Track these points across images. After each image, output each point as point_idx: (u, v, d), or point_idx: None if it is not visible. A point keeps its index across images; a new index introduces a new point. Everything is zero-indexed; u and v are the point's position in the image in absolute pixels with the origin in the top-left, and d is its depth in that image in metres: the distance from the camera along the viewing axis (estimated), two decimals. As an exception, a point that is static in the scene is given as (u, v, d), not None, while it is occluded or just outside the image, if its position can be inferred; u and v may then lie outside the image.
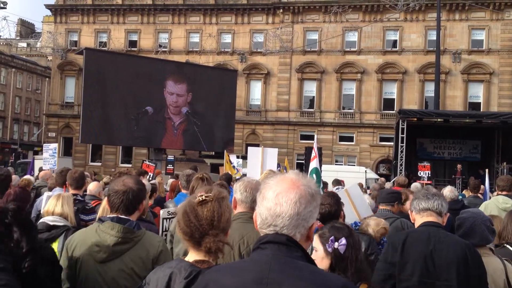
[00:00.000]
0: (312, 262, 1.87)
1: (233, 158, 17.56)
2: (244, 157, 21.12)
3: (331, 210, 4.44)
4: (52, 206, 4.70)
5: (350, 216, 5.95)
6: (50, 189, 7.25)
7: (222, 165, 17.59)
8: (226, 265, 2.03)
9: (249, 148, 13.59)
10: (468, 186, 13.27)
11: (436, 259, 3.57)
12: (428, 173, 21.81)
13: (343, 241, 2.95)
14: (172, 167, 17.51)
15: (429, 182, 20.33)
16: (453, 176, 25.84)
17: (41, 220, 4.66)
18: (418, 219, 3.85)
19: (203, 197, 2.50)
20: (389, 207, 6.21)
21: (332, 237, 2.97)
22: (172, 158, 17.85)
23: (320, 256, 3.00)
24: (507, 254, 4.22)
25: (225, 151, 17.01)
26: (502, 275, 3.89)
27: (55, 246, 4.43)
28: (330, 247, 2.95)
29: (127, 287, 3.12)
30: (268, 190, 1.88)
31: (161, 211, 5.07)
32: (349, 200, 6.59)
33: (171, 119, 26.64)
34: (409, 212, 4.08)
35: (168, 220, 5.06)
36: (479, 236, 4.00)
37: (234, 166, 15.42)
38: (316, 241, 3.05)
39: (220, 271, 1.91)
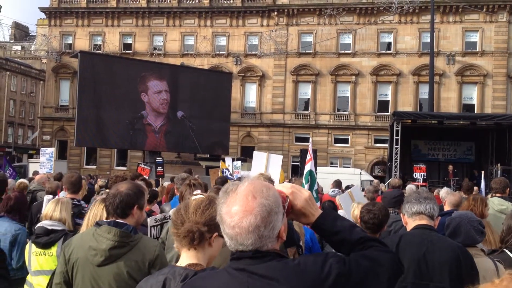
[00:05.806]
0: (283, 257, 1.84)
1: (228, 161, 17.51)
2: (240, 160, 21.12)
3: (381, 221, 4.56)
4: (50, 211, 4.74)
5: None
6: (48, 193, 7.30)
7: (217, 167, 17.57)
8: (210, 272, 2.00)
9: (254, 152, 13.61)
10: (462, 188, 13.34)
11: (429, 261, 3.60)
12: (424, 175, 21.89)
13: None
14: (162, 169, 17.27)
15: (424, 184, 20.40)
16: (445, 178, 25.95)
17: (39, 224, 4.70)
18: (411, 223, 3.88)
19: (198, 194, 2.56)
20: (397, 210, 6.38)
21: None
22: (161, 160, 17.55)
23: None
24: (506, 260, 4.21)
25: (221, 160, 17.04)
26: (494, 276, 3.93)
27: (54, 250, 4.47)
28: None
29: (122, 290, 3.13)
30: (226, 218, 1.80)
31: (148, 219, 4.92)
32: (352, 202, 6.70)
33: (151, 124, 26.57)
34: (401, 215, 4.13)
35: (155, 227, 4.97)
36: (464, 236, 4.06)
37: (223, 171, 15.64)
38: None
39: (204, 278, 1.91)
